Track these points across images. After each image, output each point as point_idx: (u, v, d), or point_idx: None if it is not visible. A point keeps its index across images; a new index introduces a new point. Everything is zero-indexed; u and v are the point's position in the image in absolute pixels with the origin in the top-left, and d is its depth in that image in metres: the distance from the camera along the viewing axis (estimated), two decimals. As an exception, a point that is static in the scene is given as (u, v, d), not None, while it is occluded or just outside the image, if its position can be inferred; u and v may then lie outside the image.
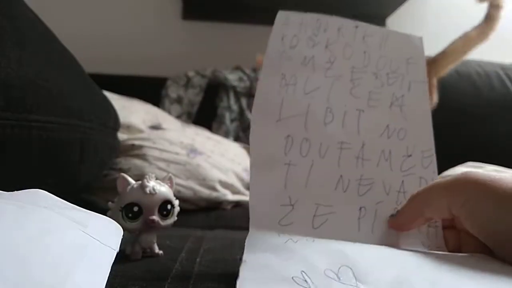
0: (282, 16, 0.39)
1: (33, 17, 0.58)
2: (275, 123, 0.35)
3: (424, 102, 0.38)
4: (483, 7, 1.55)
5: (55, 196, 0.28)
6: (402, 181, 0.34)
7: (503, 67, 1.18)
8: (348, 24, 0.41)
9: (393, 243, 0.32)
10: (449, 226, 0.33)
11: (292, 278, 0.24)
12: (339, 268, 0.25)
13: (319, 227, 0.32)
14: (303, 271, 0.24)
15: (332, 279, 0.24)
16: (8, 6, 0.50)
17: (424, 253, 0.29)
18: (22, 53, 0.50)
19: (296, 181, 0.33)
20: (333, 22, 0.41)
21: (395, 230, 0.33)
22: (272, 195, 0.32)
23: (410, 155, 0.35)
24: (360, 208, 0.33)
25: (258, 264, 0.25)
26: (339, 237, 0.31)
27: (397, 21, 1.48)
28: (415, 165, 0.35)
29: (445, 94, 1.10)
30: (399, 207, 0.33)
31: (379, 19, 1.47)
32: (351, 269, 0.25)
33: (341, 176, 0.34)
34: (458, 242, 0.32)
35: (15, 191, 0.28)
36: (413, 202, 0.32)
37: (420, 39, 0.42)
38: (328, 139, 0.35)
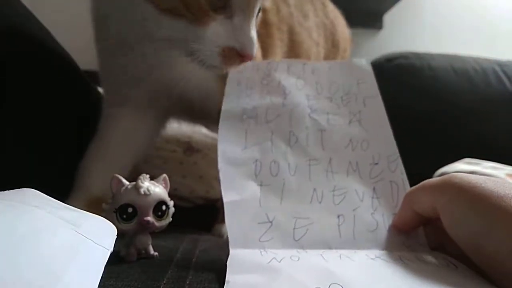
0: None
1: (27, 13, 0.57)
2: (242, 151, 0.37)
3: (380, 113, 0.40)
4: (481, 4, 1.55)
5: (46, 196, 0.28)
6: (374, 188, 0.36)
7: (500, 64, 1.17)
8: (296, 63, 0.45)
9: (376, 246, 0.32)
10: (432, 224, 0.33)
11: None
12: (329, 286, 0.24)
13: (301, 238, 0.32)
14: None
15: None
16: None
17: (408, 261, 0.29)
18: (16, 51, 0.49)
19: (271, 199, 0.34)
20: (282, 63, 0.44)
21: (397, 230, 0.33)
22: (249, 214, 0.33)
23: (377, 163, 0.37)
24: (338, 216, 0.34)
25: (243, 284, 0.25)
26: (322, 246, 0.31)
27: (394, 17, 1.48)
28: (383, 170, 0.37)
29: (441, 90, 1.09)
30: (375, 212, 0.34)
31: (376, 15, 1.47)
32: (341, 286, 0.24)
33: (314, 189, 0.35)
34: (440, 241, 0.32)
35: (6, 191, 0.27)
36: (404, 200, 0.32)
37: (366, 60, 0.45)
38: (296, 158, 0.37)
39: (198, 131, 1.00)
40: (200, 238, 0.43)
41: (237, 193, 0.34)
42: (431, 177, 0.33)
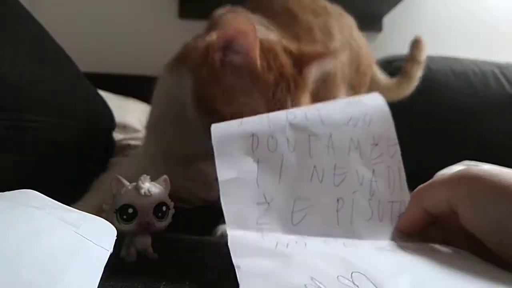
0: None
1: (27, 15, 0.57)
2: (239, 125, 0.34)
3: (379, 99, 0.38)
4: (481, 7, 1.55)
5: (46, 197, 0.28)
6: (373, 170, 0.35)
7: (499, 66, 1.18)
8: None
9: (372, 235, 0.32)
10: (433, 222, 0.33)
11: (305, 286, 0.22)
12: (351, 274, 0.24)
13: (299, 223, 0.31)
14: (313, 278, 0.23)
15: (349, 286, 0.23)
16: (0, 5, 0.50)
17: (419, 250, 0.29)
18: (15, 52, 0.49)
19: (269, 178, 0.33)
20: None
21: (403, 232, 0.32)
22: (246, 194, 0.31)
23: (377, 144, 0.36)
24: (338, 200, 0.33)
25: (256, 271, 0.24)
26: (320, 233, 0.31)
27: (394, 20, 1.48)
28: (382, 153, 0.36)
29: (441, 92, 1.10)
30: (372, 198, 0.33)
31: (376, 18, 1.47)
32: (364, 275, 0.24)
33: (314, 166, 0.34)
34: (439, 238, 0.32)
35: (6, 191, 0.27)
36: (414, 197, 0.32)
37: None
38: (294, 133, 0.35)
39: (198, 133, 1.00)
40: (200, 239, 0.43)
41: (233, 170, 0.32)
42: (431, 177, 0.33)
